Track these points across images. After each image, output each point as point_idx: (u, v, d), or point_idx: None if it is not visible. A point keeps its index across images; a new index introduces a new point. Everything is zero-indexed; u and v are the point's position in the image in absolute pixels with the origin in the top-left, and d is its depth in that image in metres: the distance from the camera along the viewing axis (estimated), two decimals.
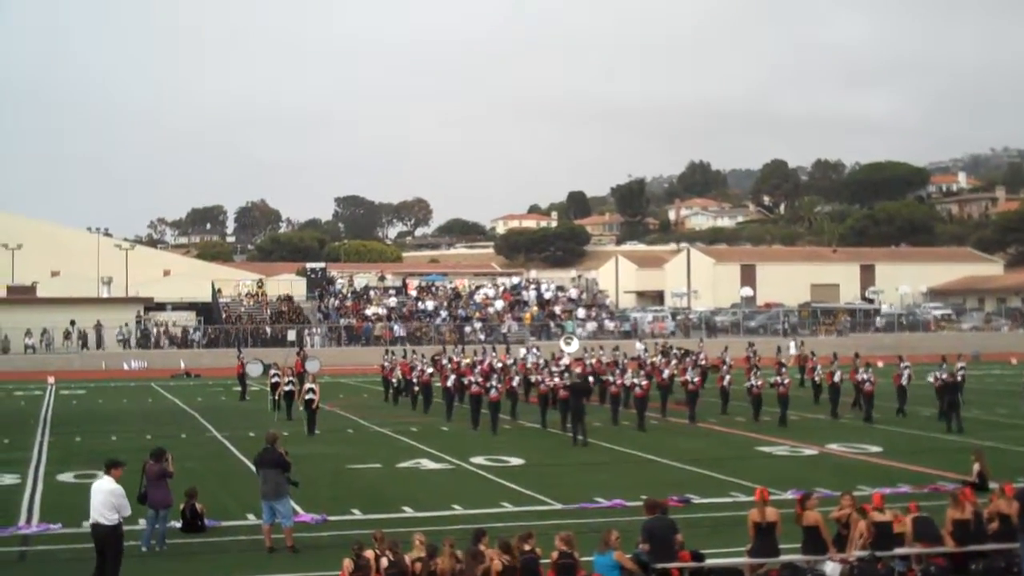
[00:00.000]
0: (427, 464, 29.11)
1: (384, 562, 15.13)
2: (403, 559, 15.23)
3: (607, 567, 15.10)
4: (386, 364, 47.48)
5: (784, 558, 16.17)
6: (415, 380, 42.80)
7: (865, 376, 37.76)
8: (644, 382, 37.10)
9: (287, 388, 39.14)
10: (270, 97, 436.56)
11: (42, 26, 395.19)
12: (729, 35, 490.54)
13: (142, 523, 19.91)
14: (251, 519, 20.99)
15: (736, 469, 27.48)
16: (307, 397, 36.11)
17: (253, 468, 20.58)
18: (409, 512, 22.41)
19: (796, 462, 29.36)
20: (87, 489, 25.45)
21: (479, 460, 29.34)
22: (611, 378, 38.40)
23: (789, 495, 22.59)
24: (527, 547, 15.22)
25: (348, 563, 15.17)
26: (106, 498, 16.76)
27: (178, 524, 20.23)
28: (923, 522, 16.92)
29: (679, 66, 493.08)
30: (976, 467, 24.03)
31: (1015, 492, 16.96)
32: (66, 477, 27.36)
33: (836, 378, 39.18)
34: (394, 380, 45.56)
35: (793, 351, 64.00)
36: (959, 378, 37.50)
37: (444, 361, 44.54)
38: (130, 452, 30.39)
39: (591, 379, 41.33)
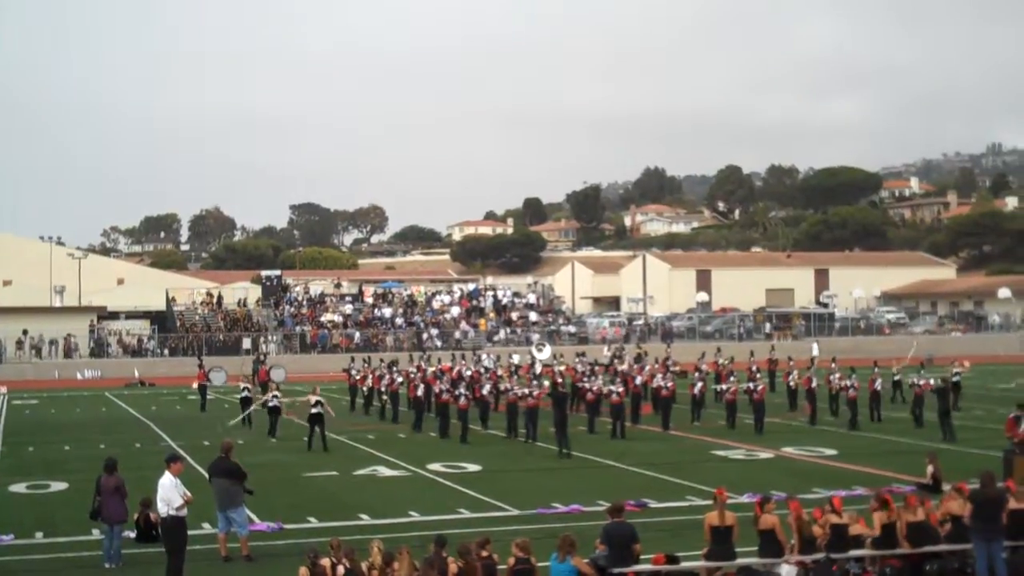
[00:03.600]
0: (383, 471, 29.02)
1: (340, 570, 15.07)
2: (359, 567, 15.18)
3: (564, 574, 15.07)
4: (354, 372, 46.84)
5: (740, 561, 16.21)
6: (383, 389, 42.33)
7: (849, 382, 37.36)
8: (620, 389, 36.79)
9: (272, 403, 36.85)
10: (225, 105, 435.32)
11: None
12: (687, 47, 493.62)
13: (95, 533, 19.78)
14: (206, 528, 20.80)
15: (692, 473, 27.58)
16: (272, 404, 36.70)
17: (207, 477, 20.45)
18: (366, 519, 22.33)
19: (751, 466, 29.47)
20: (40, 499, 25.43)
21: (436, 467, 29.27)
22: (587, 385, 38.11)
23: (745, 499, 22.69)
24: (484, 553, 15.21)
25: (304, 571, 15.09)
26: (159, 492, 17.78)
27: (132, 534, 20.05)
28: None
29: (637, 75, 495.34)
30: (930, 469, 24.20)
31: (969, 493, 17.07)
32: (19, 487, 27.06)
33: (813, 384, 38.87)
34: (364, 389, 44.97)
35: (815, 352, 64.20)
36: (951, 382, 37.91)
37: (411, 369, 43.85)
38: (84, 461, 30.36)
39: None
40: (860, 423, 36.76)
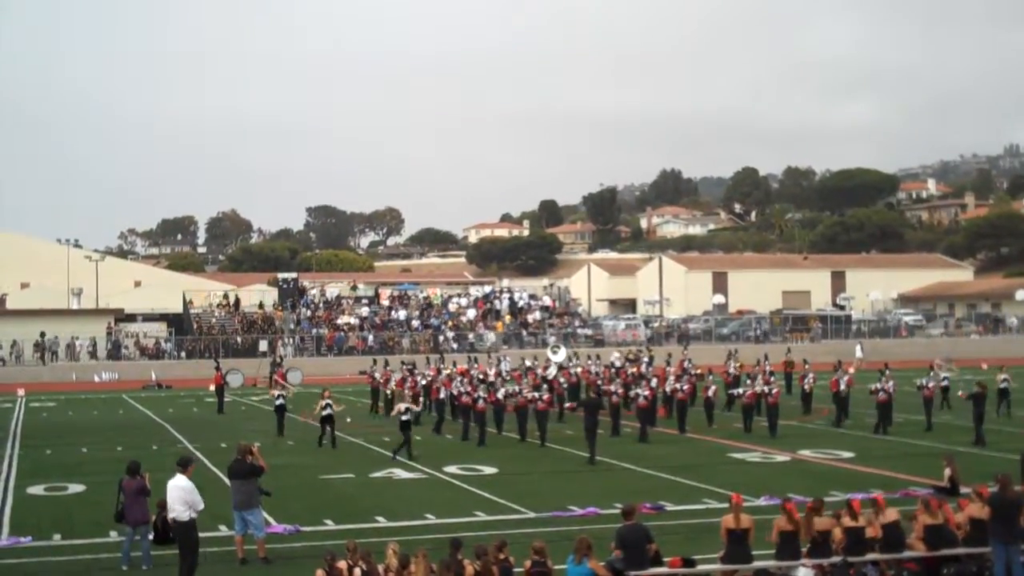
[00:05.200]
0: (400, 474, 29.02)
1: (357, 572, 15.07)
2: (376, 569, 15.18)
3: None
4: (377, 375, 46.20)
5: (756, 564, 16.18)
6: (407, 391, 41.90)
7: (879, 385, 36.60)
8: (647, 392, 36.63)
9: (326, 412, 34.37)
10: (242, 108, 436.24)
11: (6, 35, 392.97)
12: (704, 48, 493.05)
13: (113, 535, 19.83)
14: (223, 530, 20.87)
15: (708, 476, 27.52)
16: (277, 403, 36.91)
17: (227, 480, 20.49)
18: (382, 522, 22.35)
19: (768, 468, 29.41)
20: (58, 501, 25.50)
21: (452, 469, 29.28)
22: (612, 388, 37.85)
23: (761, 501, 22.70)
24: (501, 556, 15.21)
25: (321, 574, 15.10)
26: (179, 495, 17.79)
27: (150, 535, 20.07)
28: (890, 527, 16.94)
29: (653, 77, 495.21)
30: (947, 472, 24.10)
31: (988, 497, 17.00)
32: (36, 490, 27.15)
33: (841, 387, 38.50)
34: (388, 392, 44.57)
35: (859, 354, 63.96)
36: (998, 388, 38.71)
37: (426, 372, 43.54)
38: (101, 464, 30.52)
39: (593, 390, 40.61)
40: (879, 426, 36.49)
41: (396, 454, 31.36)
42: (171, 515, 17.89)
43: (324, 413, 34.46)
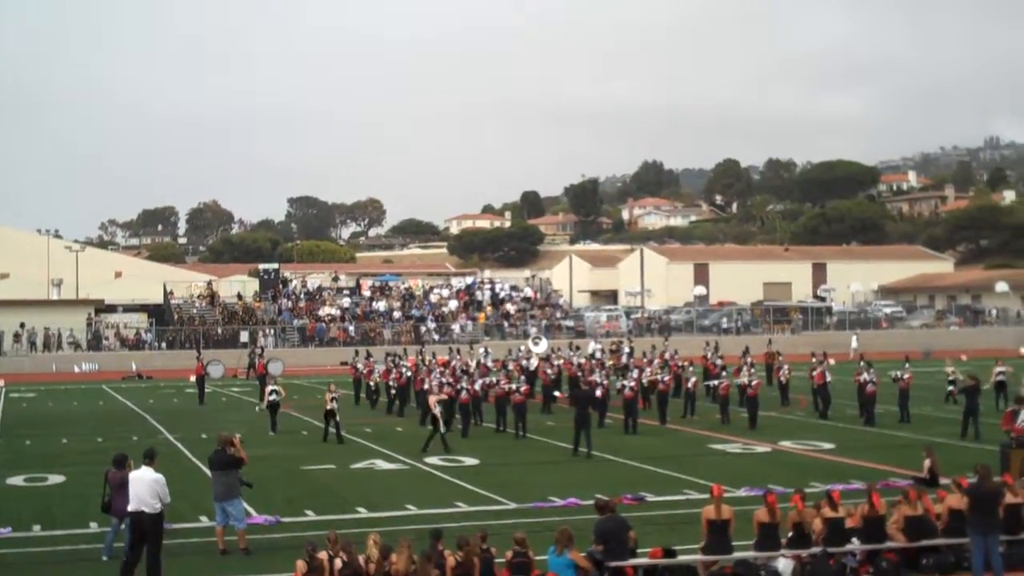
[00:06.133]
0: (381, 464, 29.00)
1: (338, 563, 15.07)
2: (357, 560, 15.18)
3: (561, 567, 15.09)
4: (360, 366, 45.76)
5: (737, 555, 16.23)
6: (391, 383, 42.02)
7: (867, 377, 36.61)
8: (632, 384, 36.43)
9: (330, 406, 33.48)
10: (223, 98, 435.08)
11: None
12: (686, 40, 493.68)
13: (93, 526, 19.77)
14: (204, 521, 20.84)
15: (689, 467, 27.56)
16: (271, 399, 36.43)
17: (207, 470, 20.44)
18: (363, 513, 22.35)
19: (749, 459, 29.48)
20: (38, 492, 25.40)
21: (433, 460, 29.27)
22: (597, 379, 37.74)
23: (742, 492, 22.76)
24: (483, 547, 15.24)
25: (301, 565, 15.09)
26: (150, 487, 17.34)
27: None
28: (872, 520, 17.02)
29: (636, 68, 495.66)
30: (927, 463, 24.20)
31: (967, 487, 17.09)
32: (16, 481, 27.02)
33: (828, 378, 38.29)
34: (372, 384, 44.52)
35: (855, 345, 64.12)
36: (994, 382, 38.66)
37: (406, 364, 43.43)
38: (81, 455, 30.44)
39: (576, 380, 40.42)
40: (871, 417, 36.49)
41: (446, 446, 31.07)
42: (140, 507, 17.27)
43: (328, 407, 33.58)
